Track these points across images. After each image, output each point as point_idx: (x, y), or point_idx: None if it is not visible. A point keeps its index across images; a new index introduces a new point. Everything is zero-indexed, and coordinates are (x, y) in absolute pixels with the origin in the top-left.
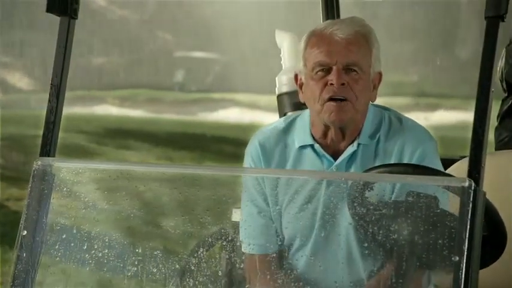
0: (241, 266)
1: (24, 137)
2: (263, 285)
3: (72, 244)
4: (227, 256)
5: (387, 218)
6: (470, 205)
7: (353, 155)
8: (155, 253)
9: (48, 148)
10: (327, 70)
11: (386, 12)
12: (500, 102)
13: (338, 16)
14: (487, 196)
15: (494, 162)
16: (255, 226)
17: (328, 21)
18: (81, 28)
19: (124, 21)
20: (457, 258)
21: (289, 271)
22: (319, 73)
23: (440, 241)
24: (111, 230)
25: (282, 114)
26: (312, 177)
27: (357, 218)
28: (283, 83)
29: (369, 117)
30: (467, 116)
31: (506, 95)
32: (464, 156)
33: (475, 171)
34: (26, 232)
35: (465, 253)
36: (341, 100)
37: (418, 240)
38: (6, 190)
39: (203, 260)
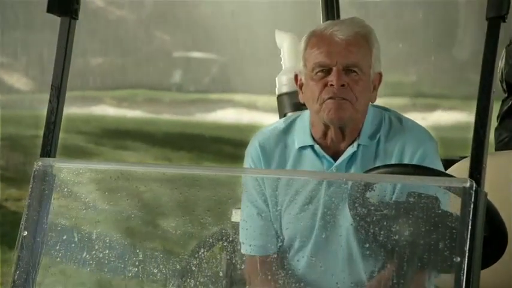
0: (242, 267)
1: (23, 137)
2: (263, 286)
3: (73, 245)
4: (227, 257)
5: (388, 218)
6: (472, 206)
7: (353, 155)
8: (156, 254)
9: (48, 148)
10: (327, 71)
11: (384, 12)
12: (500, 102)
13: (338, 17)
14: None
15: (494, 162)
16: (255, 227)
17: (328, 21)
18: (78, 28)
19: (122, 21)
20: (459, 259)
21: (289, 272)
22: (319, 74)
23: (441, 242)
24: (112, 231)
25: (282, 114)
26: (312, 178)
27: (357, 218)
28: (283, 83)
29: (368, 118)
30: (465, 117)
31: (506, 95)
32: (465, 157)
33: (477, 171)
34: (26, 233)
35: (466, 254)
36: (340, 98)
37: (419, 241)
38: (5, 190)
39: (203, 261)
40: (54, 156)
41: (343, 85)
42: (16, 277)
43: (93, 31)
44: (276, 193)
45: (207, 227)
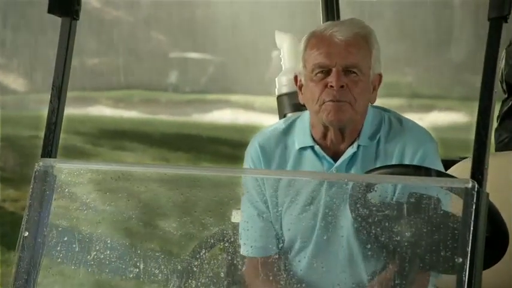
0: (242, 268)
1: (20, 138)
2: (264, 287)
3: (74, 245)
4: (227, 258)
5: (389, 219)
6: (474, 206)
7: (353, 156)
8: (157, 254)
9: (49, 149)
10: (327, 72)
11: (380, 13)
12: (500, 103)
13: (338, 17)
14: None
15: (495, 163)
16: (256, 228)
17: (328, 22)
18: None
19: (118, 22)
20: (461, 259)
21: (290, 273)
22: (319, 75)
23: (442, 242)
24: (113, 232)
25: (282, 115)
26: (313, 179)
27: (358, 219)
28: (283, 83)
29: (368, 119)
30: (461, 117)
31: (506, 96)
32: (465, 157)
33: (478, 172)
34: (27, 233)
35: (468, 254)
36: (340, 101)
37: (420, 242)
38: (3, 191)
39: (204, 262)
40: (55, 157)
41: (342, 86)
42: (17, 277)
43: (89, 32)
44: (276, 194)
45: (207, 228)
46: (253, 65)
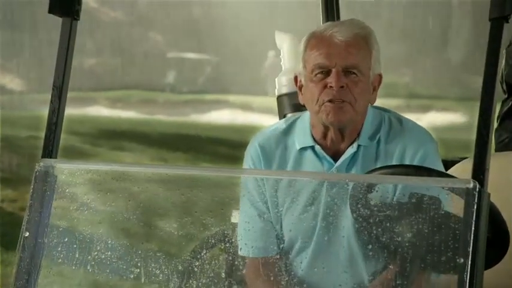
0: (242, 269)
1: (18, 138)
2: None
3: (75, 246)
4: (227, 258)
5: (390, 219)
6: (475, 207)
7: (354, 156)
8: (157, 255)
9: (50, 149)
10: (326, 72)
11: (377, 13)
12: (500, 103)
13: (338, 18)
14: None
15: (495, 163)
16: (256, 229)
17: (328, 23)
18: None
19: (116, 22)
20: (462, 260)
21: (291, 273)
22: (319, 75)
23: (444, 243)
24: (113, 232)
25: (282, 115)
26: (313, 179)
27: (359, 219)
28: (283, 84)
29: (368, 119)
30: (458, 118)
31: (506, 96)
32: (464, 158)
33: (480, 172)
34: (28, 233)
35: (470, 255)
36: (339, 101)
37: (421, 242)
38: (1, 191)
39: (203, 262)
40: (56, 157)
41: (342, 87)
42: (17, 278)
43: (86, 32)
44: (277, 194)
45: (208, 228)
46: (251, 65)
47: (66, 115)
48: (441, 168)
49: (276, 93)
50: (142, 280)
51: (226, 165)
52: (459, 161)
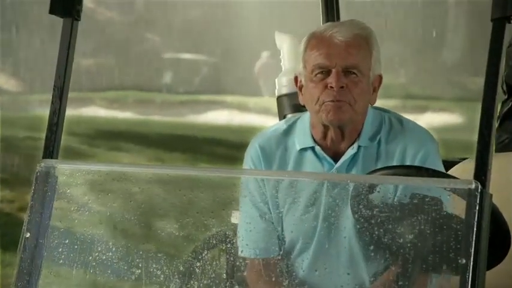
0: (242, 269)
1: (15, 138)
2: None
3: (76, 246)
4: (228, 259)
5: (391, 220)
6: (477, 207)
7: (354, 157)
8: (158, 255)
9: (51, 150)
10: (326, 72)
11: (374, 14)
12: (500, 104)
13: (338, 18)
14: None
15: (495, 164)
16: (258, 230)
17: (328, 23)
18: None
19: (112, 22)
20: (464, 261)
21: (293, 274)
22: (319, 75)
23: (445, 243)
24: (114, 233)
25: (282, 115)
26: (314, 179)
27: (361, 220)
28: (283, 84)
29: (368, 119)
30: (455, 118)
31: (506, 97)
32: (464, 158)
33: (482, 173)
34: (28, 234)
35: (472, 256)
36: (339, 101)
37: (422, 243)
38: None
39: (204, 263)
40: (57, 158)
41: (342, 87)
42: (18, 279)
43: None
44: (277, 195)
45: (209, 229)
46: (247, 66)
47: None
48: (442, 169)
49: (276, 94)
50: (143, 281)
51: (224, 165)
52: (459, 162)
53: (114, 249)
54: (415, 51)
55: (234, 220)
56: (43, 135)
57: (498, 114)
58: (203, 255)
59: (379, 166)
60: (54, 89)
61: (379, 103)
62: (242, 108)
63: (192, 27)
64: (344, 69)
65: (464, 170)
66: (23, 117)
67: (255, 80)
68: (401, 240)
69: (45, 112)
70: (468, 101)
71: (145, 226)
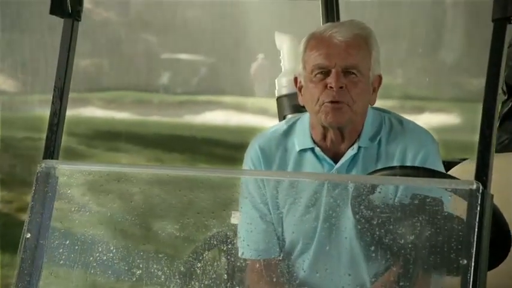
0: (243, 270)
1: (13, 139)
2: None
3: (76, 247)
4: (228, 260)
5: (392, 221)
6: (478, 208)
7: (354, 158)
8: (159, 256)
9: (51, 150)
10: (326, 73)
11: (371, 14)
12: (500, 105)
13: (338, 19)
14: None
15: (495, 164)
16: (258, 230)
17: (328, 24)
18: None
19: (109, 23)
20: (465, 261)
21: (293, 275)
22: (318, 76)
23: (447, 244)
24: (115, 233)
25: (282, 116)
26: (314, 180)
27: (361, 220)
28: (283, 85)
29: (368, 120)
30: (453, 119)
31: (506, 97)
32: (464, 159)
33: (483, 173)
34: (29, 235)
35: (473, 256)
36: (338, 102)
37: (423, 244)
38: None
39: (204, 264)
40: (57, 158)
41: (341, 87)
42: (19, 279)
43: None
44: (278, 196)
45: (210, 229)
46: (245, 66)
47: None
48: (442, 169)
49: (276, 94)
50: (143, 281)
51: (222, 166)
52: (458, 162)
53: (114, 249)
54: (412, 51)
55: (234, 221)
56: (42, 135)
57: (498, 114)
58: (203, 255)
59: (380, 167)
60: (54, 89)
61: (377, 104)
62: (240, 108)
63: (189, 27)
64: (343, 69)
65: (464, 171)
66: (23, 117)
67: (253, 80)
68: (402, 241)
69: (44, 112)
70: (466, 101)
71: (146, 226)
